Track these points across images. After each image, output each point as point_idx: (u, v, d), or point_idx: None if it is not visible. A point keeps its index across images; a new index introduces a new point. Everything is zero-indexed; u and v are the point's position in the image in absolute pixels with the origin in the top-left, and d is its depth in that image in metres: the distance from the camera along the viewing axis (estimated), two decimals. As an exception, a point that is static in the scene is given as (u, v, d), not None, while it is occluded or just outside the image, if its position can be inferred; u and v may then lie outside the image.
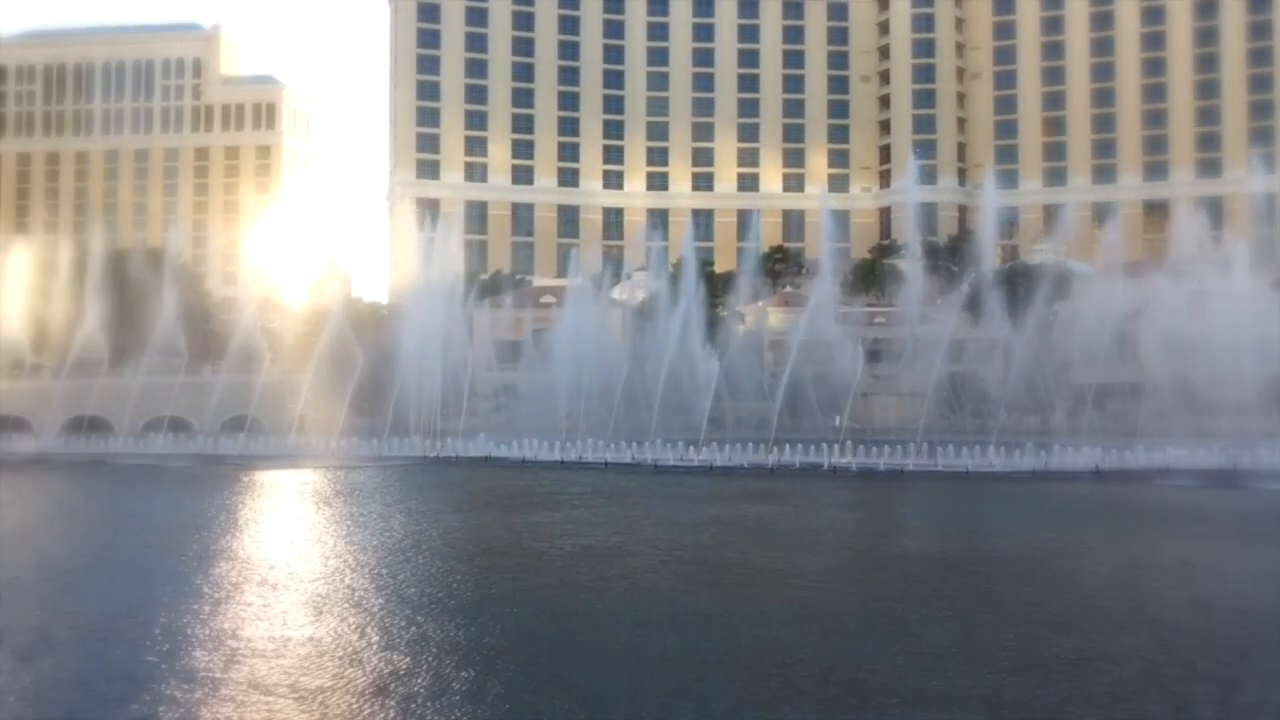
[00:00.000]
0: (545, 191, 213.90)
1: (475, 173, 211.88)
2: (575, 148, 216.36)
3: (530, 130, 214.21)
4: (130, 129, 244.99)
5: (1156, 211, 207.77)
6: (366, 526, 53.51)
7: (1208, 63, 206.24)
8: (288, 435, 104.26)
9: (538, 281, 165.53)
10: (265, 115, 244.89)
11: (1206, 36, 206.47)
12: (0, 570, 41.00)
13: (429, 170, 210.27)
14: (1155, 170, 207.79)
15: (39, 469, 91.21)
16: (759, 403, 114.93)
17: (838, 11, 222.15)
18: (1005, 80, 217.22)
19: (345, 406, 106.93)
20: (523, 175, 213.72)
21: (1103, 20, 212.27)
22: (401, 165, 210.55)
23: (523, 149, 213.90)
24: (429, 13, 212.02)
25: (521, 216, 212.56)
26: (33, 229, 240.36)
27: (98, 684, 25.80)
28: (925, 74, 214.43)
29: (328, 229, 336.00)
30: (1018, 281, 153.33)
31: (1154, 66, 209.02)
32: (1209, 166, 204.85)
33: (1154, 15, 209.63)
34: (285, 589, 36.36)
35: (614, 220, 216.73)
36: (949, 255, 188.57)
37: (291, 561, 42.62)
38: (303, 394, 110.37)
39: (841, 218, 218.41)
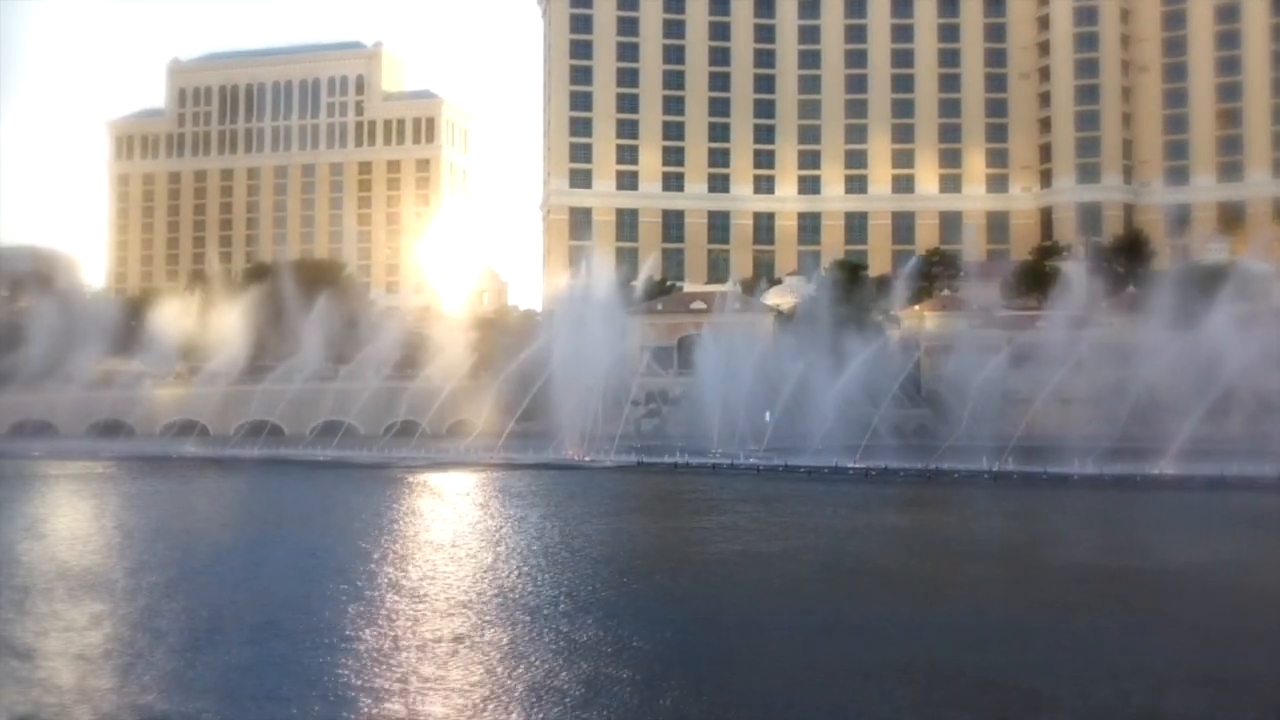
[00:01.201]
0: (695, 198, 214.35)
1: (626, 181, 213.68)
2: (725, 153, 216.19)
3: (680, 137, 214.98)
4: (298, 145, 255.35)
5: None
6: (531, 531, 54.43)
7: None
8: (451, 440, 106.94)
9: (688, 287, 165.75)
10: (425, 129, 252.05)
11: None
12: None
13: (581, 179, 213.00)
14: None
15: (222, 469, 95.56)
16: (915, 409, 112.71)
17: (995, 7, 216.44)
18: (1175, 73, 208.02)
19: (504, 412, 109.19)
20: (673, 182, 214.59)
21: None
22: (555, 174, 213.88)
23: (673, 156, 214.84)
24: (581, 23, 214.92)
25: (672, 223, 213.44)
26: (209, 243, 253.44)
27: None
28: (1088, 68, 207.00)
29: (485, 239, 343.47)
30: (1191, 283, 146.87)
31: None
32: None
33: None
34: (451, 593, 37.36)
35: (764, 225, 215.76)
36: (1115, 256, 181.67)
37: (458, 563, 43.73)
38: (463, 400, 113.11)
39: (1000, 219, 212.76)
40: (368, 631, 31.40)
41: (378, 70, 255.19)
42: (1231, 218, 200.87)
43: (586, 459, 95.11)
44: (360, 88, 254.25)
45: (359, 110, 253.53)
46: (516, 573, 41.41)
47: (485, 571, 41.70)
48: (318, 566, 43.45)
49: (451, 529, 56.86)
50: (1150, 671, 26.83)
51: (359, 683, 26.18)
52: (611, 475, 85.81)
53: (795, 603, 36.39)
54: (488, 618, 33.18)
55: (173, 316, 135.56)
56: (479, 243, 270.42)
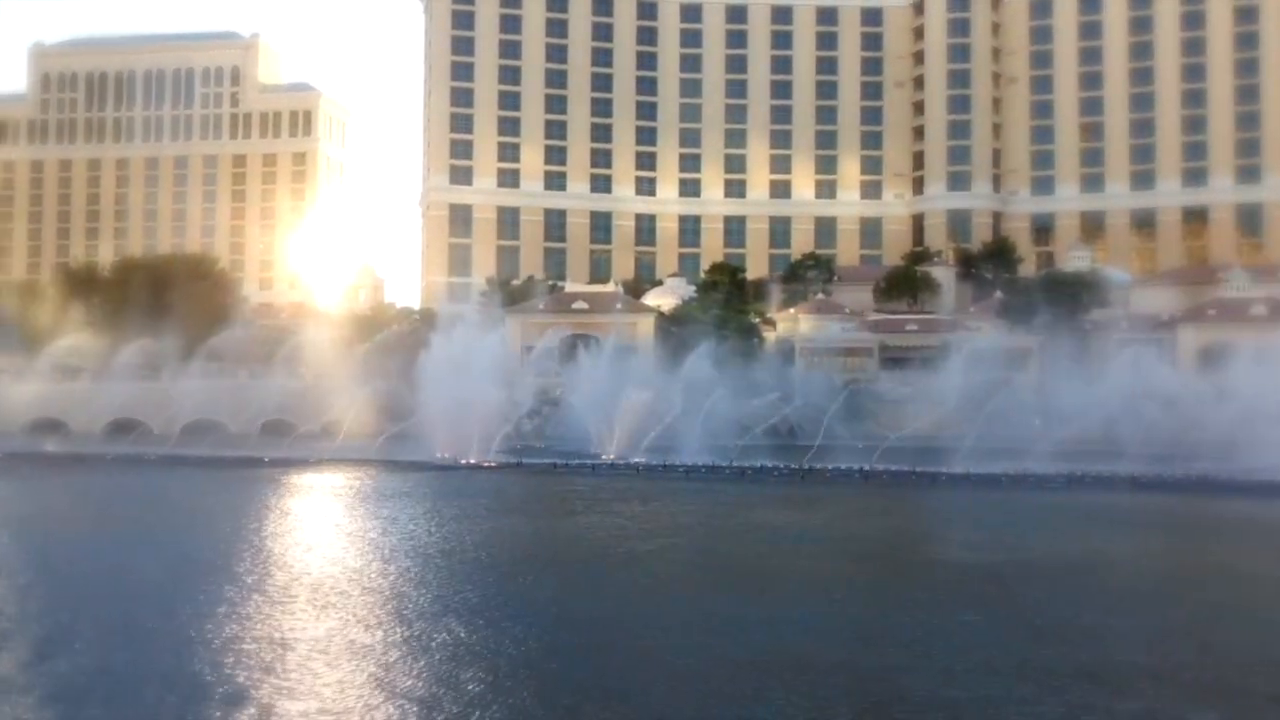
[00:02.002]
0: (577, 198, 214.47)
1: (507, 178, 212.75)
2: (608, 154, 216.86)
3: (563, 136, 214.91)
4: (170, 136, 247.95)
5: (1195, 218, 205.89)
6: (399, 531, 53.90)
7: (1247, 67, 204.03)
8: (323, 439, 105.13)
9: (570, 287, 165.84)
10: (302, 122, 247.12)
11: (1246, 41, 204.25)
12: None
13: (462, 176, 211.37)
14: (1194, 176, 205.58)
15: (80, 467, 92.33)
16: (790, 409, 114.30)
17: (871, 17, 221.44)
18: (1042, 85, 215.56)
19: (381, 411, 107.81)
20: (555, 181, 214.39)
21: (1141, 24, 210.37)
22: (435, 171, 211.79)
23: (555, 155, 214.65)
24: (463, 20, 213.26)
25: (553, 222, 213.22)
26: (74, 235, 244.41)
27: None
28: (960, 79, 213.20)
29: (362, 235, 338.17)
30: (1053, 289, 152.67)
31: (1194, 72, 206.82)
32: (1249, 173, 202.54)
33: (1194, 20, 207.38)
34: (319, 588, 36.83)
35: (646, 226, 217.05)
36: (983, 262, 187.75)
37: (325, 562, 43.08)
38: (337, 398, 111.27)
39: (874, 225, 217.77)
40: (226, 632, 30.77)
41: (254, 61, 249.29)
42: (1093, 227, 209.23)
43: (465, 459, 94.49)
44: (236, 79, 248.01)
45: (234, 102, 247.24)
46: (383, 573, 41.01)
47: (352, 572, 41.18)
48: (179, 567, 42.36)
49: (320, 529, 56.03)
50: (1002, 665, 27.89)
51: (215, 683, 25.70)
52: (490, 475, 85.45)
53: (667, 600, 36.82)
54: (350, 618, 32.81)
55: (34, 311, 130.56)
56: (356, 239, 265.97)
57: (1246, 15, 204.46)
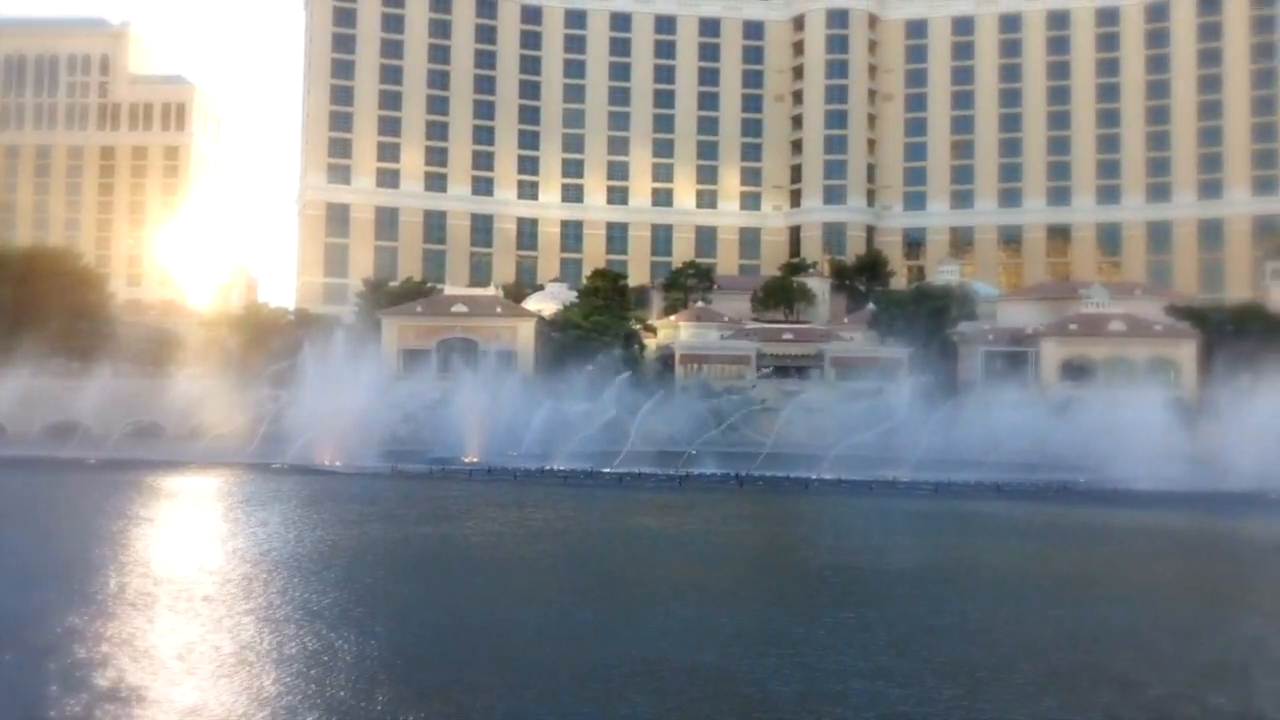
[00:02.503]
0: (458, 199, 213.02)
1: (387, 179, 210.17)
2: (490, 157, 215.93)
3: (445, 138, 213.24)
4: (32, 125, 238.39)
5: (1059, 236, 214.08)
6: (265, 536, 52.92)
7: (1109, 93, 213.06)
8: (191, 440, 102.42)
9: (449, 290, 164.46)
10: (175, 115, 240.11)
11: (1108, 67, 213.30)
12: None
13: (340, 175, 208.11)
14: (1059, 196, 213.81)
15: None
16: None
17: (753, 30, 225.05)
18: (916, 103, 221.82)
19: (253, 414, 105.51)
20: (436, 183, 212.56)
21: (1011, 47, 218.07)
22: (312, 169, 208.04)
23: (437, 156, 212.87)
24: (345, 17, 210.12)
25: (433, 224, 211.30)
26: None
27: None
28: (838, 95, 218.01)
29: (236, 232, 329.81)
30: (923, 302, 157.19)
31: (1059, 95, 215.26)
32: (1109, 194, 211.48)
33: (1060, 45, 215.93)
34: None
35: (528, 231, 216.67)
36: (857, 274, 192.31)
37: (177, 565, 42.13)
38: (207, 399, 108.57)
39: (753, 235, 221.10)
40: (76, 639, 29.90)
41: (124, 51, 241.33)
42: (962, 242, 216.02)
43: (339, 464, 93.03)
44: (105, 68, 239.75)
45: (102, 92, 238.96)
46: (248, 579, 40.23)
47: (215, 577, 40.33)
48: (32, 572, 40.94)
49: (185, 533, 54.67)
50: (865, 666, 28.76)
51: (60, 692, 25.02)
52: (364, 480, 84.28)
53: (537, 606, 36.94)
54: (210, 624, 32.19)
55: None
56: (230, 236, 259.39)
57: (1108, 42, 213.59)
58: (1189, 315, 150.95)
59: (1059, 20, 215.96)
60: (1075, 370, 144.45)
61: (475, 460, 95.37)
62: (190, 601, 35.51)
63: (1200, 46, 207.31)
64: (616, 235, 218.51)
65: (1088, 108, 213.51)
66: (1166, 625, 34.73)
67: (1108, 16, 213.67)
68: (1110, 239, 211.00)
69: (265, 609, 34.61)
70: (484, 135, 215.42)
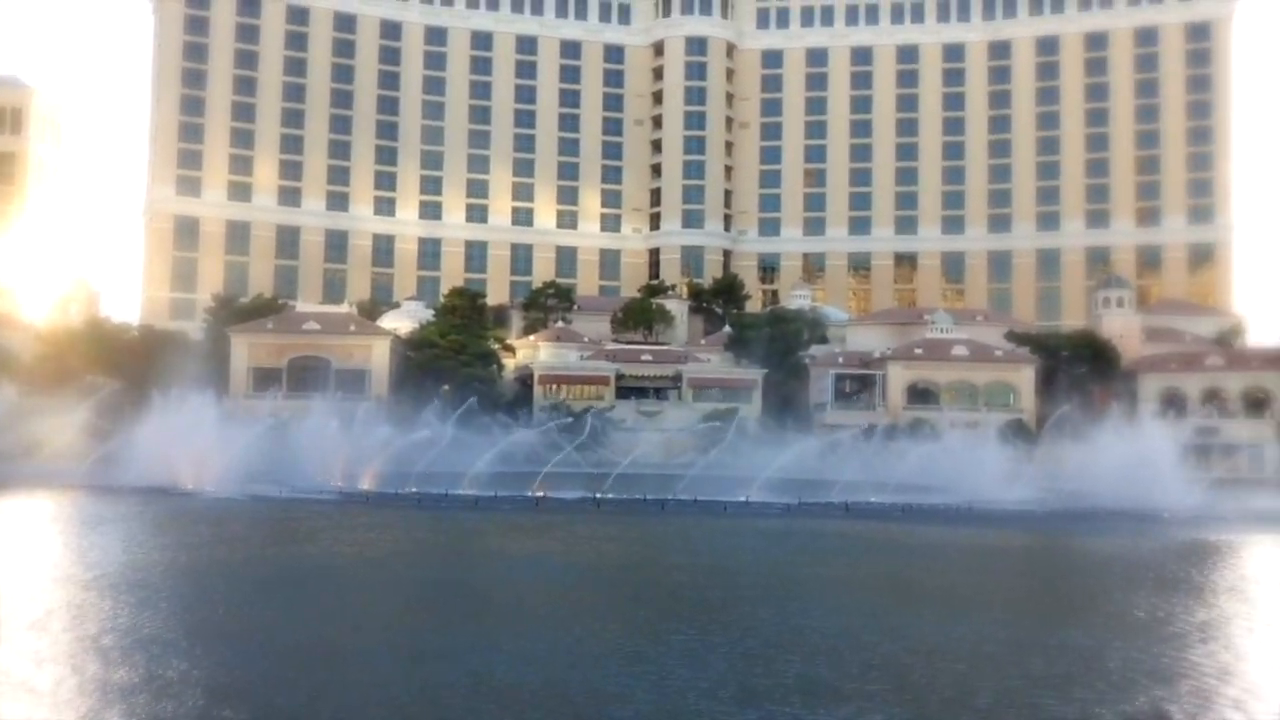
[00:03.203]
0: (313, 214, 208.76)
1: (239, 192, 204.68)
2: (346, 172, 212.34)
3: (299, 151, 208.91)
4: None
5: (906, 263, 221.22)
6: (102, 560, 50.91)
7: (954, 126, 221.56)
8: (23, 460, 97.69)
9: (301, 307, 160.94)
10: (11, 120, 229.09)
11: (953, 101, 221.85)
12: None
13: (190, 187, 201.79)
14: (906, 225, 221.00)
15: None
16: (533, 437, 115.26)
17: (613, 54, 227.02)
18: (771, 131, 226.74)
19: (93, 433, 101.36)
20: (290, 197, 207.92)
21: (862, 80, 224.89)
22: (160, 180, 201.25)
23: (291, 170, 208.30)
24: (197, 25, 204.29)
25: (286, 239, 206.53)
26: None
27: None
28: (696, 121, 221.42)
29: (77, 243, 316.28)
30: (777, 325, 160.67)
31: (907, 127, 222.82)
32: (953, 224, 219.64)
33: (908, 78, 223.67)
34: None
35: (384, 247, 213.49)
36: (714, 297, 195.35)
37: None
38: (45, 417, 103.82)
39: (613, 257, 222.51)
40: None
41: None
42: (814, 268, 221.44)
43: (184, 485, 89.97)
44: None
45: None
46: (79, 604, 38.62)
47: (43, 602, 38.64)
48: None
49: (8, 557, 52.15)
50: (715, 682, 29.21)
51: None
52: (210, 503, 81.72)
53: (386, 629, 36.47)
54: (27, 652, 30.86)
55: None
56: (70, 247, 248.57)
57: (954, 77, 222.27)
58: (1027, 341, 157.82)
59: (908, 54, 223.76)
60: (920, 393, 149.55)
61: (331, 482, 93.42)
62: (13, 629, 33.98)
63: (1039, 84, 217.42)
64: (475, 254, 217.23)
65: (933, 140, 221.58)
66: (1004, 638, 36.16)
67: (954, 53, 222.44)
68: (954, 267, 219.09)
69: (94, 635, 33.31)
70: (340, 150, 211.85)
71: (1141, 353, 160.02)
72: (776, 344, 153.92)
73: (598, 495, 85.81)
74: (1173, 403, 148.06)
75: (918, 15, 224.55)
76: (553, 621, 37.98)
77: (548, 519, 76.18)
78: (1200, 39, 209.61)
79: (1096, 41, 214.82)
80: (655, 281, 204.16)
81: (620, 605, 43.22)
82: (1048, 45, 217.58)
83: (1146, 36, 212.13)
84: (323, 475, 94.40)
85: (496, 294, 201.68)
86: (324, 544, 60.62)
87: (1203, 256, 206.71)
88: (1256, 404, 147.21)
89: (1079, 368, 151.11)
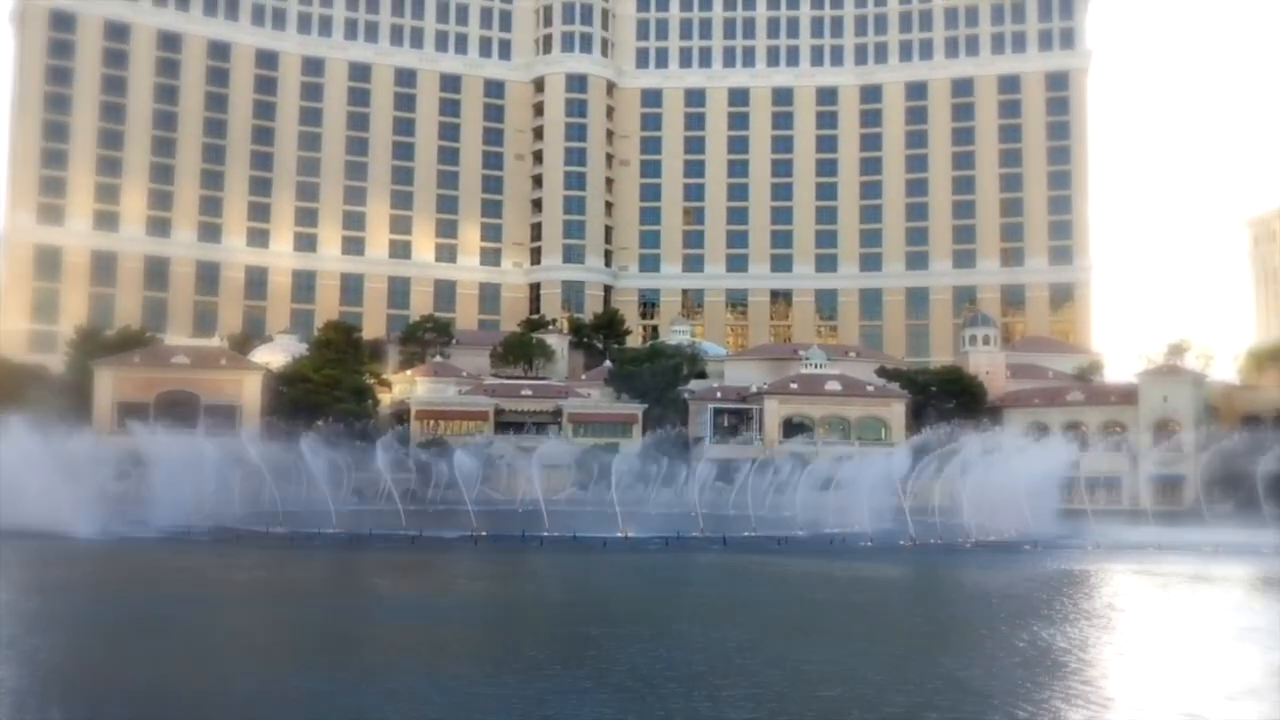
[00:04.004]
0: (183, 245, 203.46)
1: (105, 221, 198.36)
2: (218, 202, 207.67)
3: (170, 181, 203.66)
4: None
5: (782, 300, 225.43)
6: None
7: (827, 167, 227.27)
8: None
9: (170, 340, 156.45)
10: None
11: (827, 144, 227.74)
12: None
13: (52, 215, 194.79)
14: (781, 263, 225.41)
15: None
16: (404, 474, 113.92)
17: (494, 89, 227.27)
18: (651, 169, 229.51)
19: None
20: (159, 227, 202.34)
21: (739, 120, 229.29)
22: (20, 208, 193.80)
23: (160, 199, 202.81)
24: (61, 49, 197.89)
25: (155, 270, 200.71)
26: None
27: None
28: (577, 157, 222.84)
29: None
30: (657, 360, 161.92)
31: (782, 167, 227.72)
32: (826, 262, 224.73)
33: (782, 120, 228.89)
34: None
35: (257, 280, 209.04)
36: (594, 332, 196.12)
37: None
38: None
39: (493, 291, 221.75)
40: None
41: None
42: (694, 304, 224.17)
43: (47, 527, 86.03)
44: None
45: None
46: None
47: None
48: None
49: None
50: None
51: None
52: (69, 544, 78.42)
53: (250, 671, 35.60)
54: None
55: None
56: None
57: (828, 120, 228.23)
58: (898, 377, 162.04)
59: (783, 97, 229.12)
60: (795, 427, 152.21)
61: (200, 521, 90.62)
62: None
63: (909, 128, 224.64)
64: (351, 286, 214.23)
65: (808, 181, 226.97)
66: (880, 665, 36.96)
67: (827, 96, 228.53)
68: (828, 304, 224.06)
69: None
70: (213, 180, 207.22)
71: (1007, 388, 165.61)
72: (656, 379, 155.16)
73: (475, 533, 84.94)
74: (1036, 436, 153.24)
75: (793, 59, 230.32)
76: (425, 660, 37.52)
77: (424, 557, 75.18)
78: (1059, 88, 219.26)
79: (963, 87, 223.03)
80: (536, 316, 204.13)
81: (495, 642, 42.91)
82: (917, 90, 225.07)
83: (1009, 84, 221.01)
84: (191, 514, 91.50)
85: (373, 328, 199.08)
86: (190, 585, 58.81)
87: (1063, 296, 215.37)
88: (1113, 437, 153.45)
89: (947, 403, 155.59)
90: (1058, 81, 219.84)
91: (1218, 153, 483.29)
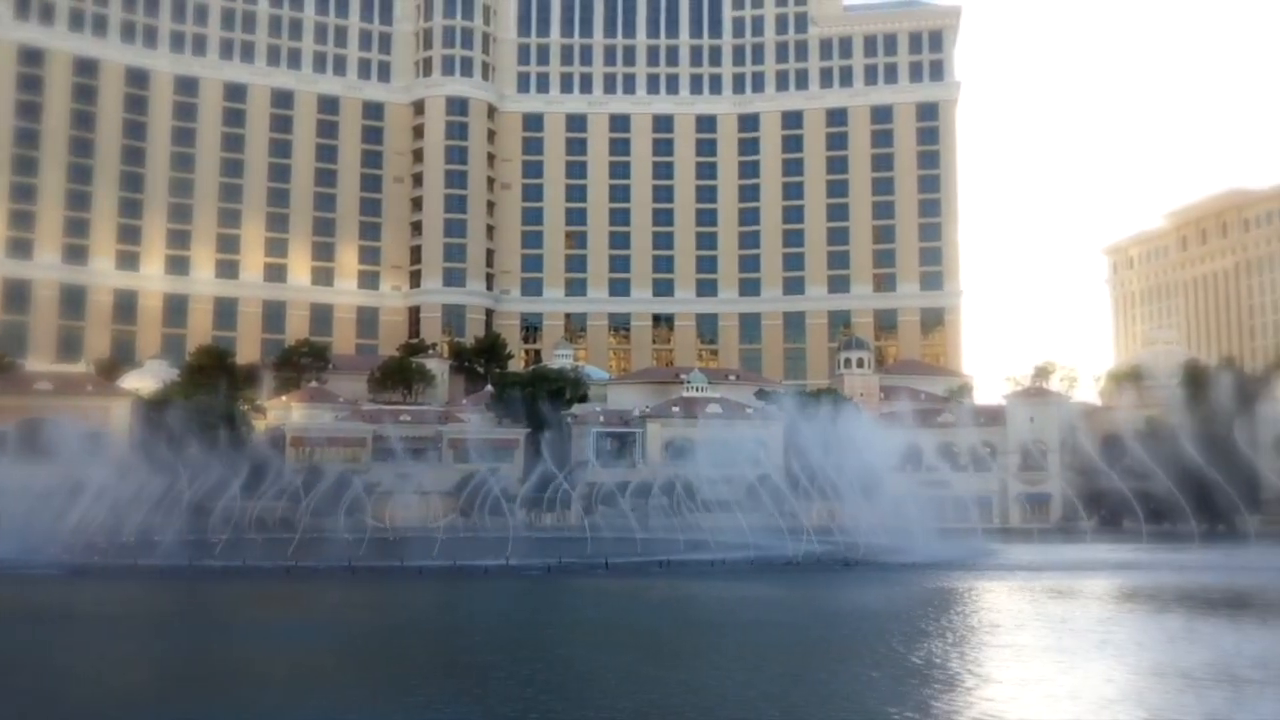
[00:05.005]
0: (46, 267, 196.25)
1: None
2: (85, 224, 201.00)
3: (32, 201, 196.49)
4: None
5: (664, 324, 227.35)
6: None
7: (707, 194, 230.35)
8: None
9: (32, 365, 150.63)
10: None
11: (707, 170, 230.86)
12: None
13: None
14: (663, 287, 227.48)
15: None
16: (280, 502, 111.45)
17: (372, 111, 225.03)
18: (533, 193, 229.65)
19: None
20: (20, 248, 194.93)
21: (620, 146, 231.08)
22: None
23: (21, 220, 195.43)
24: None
25: (16, 293, 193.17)
26: None
27: None
28: (458, 180, 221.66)
29: None
30: (539, 385, 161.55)
31: (663, 193, 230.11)
32: (707, 287, 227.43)
33: (663, 146, 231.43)
34: None
35: (126, 303, 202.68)
36: (476, 356, 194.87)
37: None
38: None
39: (371, 315, 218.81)
40: None
41: None
42: (576, 328, 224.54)
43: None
44: None
45: None
46: None
47: None
48: None
49: None
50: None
51: None
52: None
53: (127, 706, 34.58)
54: None
55: None
56: None
57: (707, 147, 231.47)
58: (776, 399, 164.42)
59: (664, 124, 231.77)
60: (677, 450, 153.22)
61: (60, 554, 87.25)
62: None
63: (785, 156, 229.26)
64: (225, 310, 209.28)
65: (688, 206, 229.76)
66: (754, 684, 37.47)
67: (706, 123, 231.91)
68: (708, 328, 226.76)
69: None
70: (79, 200, 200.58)
71: (880, 410, 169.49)
72: (539, 403, 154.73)
73: (352, 563, 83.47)
74: (909, 457, 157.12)
75: (673, 87, 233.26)
76: (293, 691, 36.86)
77: (299, 587, 73.62)
78: (929, 118, 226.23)
79: (837, 117, 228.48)
80: (415, 340, 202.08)
81: (368, 672, 42.33)
82: (793, 119, 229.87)
83: (882, 114, 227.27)
84: (52, 546, 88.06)
85: (247, 352, 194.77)
86: (43, 623, 56.61)
87: (934, 320, 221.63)
88: (982, 458, 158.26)
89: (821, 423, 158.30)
90: (928, 112, 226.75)
91: (1080, 182, 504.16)
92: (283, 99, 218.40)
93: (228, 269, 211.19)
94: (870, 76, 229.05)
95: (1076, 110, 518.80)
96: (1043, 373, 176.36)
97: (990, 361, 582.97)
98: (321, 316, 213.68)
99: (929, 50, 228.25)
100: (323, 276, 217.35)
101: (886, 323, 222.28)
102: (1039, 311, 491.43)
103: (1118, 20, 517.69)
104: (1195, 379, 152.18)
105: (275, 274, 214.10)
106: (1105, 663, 40.98)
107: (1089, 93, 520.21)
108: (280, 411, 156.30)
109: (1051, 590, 70.01)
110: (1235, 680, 36.38)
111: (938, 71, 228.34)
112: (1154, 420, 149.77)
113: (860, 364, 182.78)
